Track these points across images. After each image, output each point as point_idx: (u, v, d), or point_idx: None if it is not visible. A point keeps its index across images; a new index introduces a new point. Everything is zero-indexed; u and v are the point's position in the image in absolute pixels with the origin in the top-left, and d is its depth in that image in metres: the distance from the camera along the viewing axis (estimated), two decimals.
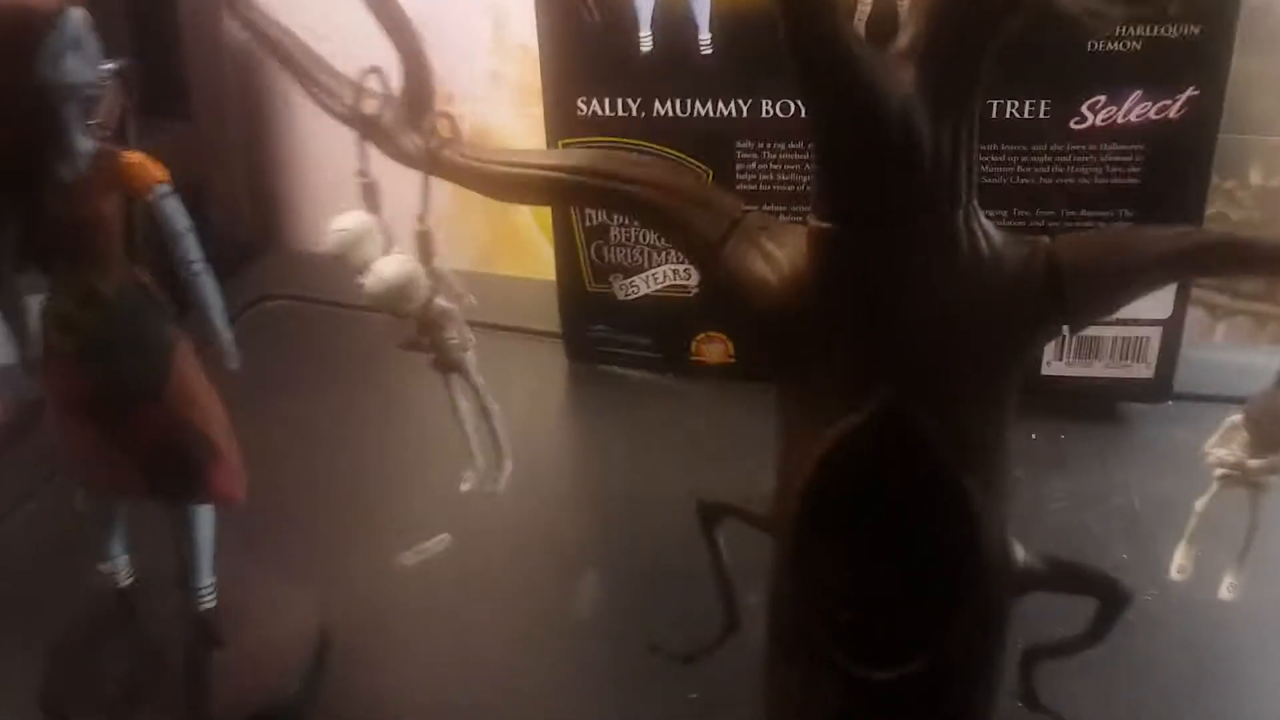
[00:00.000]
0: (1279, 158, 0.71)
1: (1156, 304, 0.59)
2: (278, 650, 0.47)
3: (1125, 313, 0.58)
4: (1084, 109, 0.56)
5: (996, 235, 0.25)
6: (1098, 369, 0.61)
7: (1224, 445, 0.29)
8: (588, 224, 0.64)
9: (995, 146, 0.57)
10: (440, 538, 0.54)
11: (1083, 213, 0.58)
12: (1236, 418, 0.29)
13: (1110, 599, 0.27)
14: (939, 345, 0.24)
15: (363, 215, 0.31)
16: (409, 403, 0.65)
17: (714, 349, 0.66)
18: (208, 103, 0.79)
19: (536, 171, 0.28)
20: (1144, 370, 0.61)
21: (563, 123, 0.61)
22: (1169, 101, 0.55)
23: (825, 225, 0.24)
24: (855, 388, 0.25)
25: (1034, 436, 0.61)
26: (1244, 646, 0.48)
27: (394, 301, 0.30)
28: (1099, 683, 0.46)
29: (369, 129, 0.30)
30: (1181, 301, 0.59)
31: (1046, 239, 0.26)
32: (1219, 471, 0.29)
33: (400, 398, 0.65)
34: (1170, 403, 0.63)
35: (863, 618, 0.27)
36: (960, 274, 0.24)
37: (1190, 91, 0.55)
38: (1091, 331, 0.60)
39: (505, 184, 0.29)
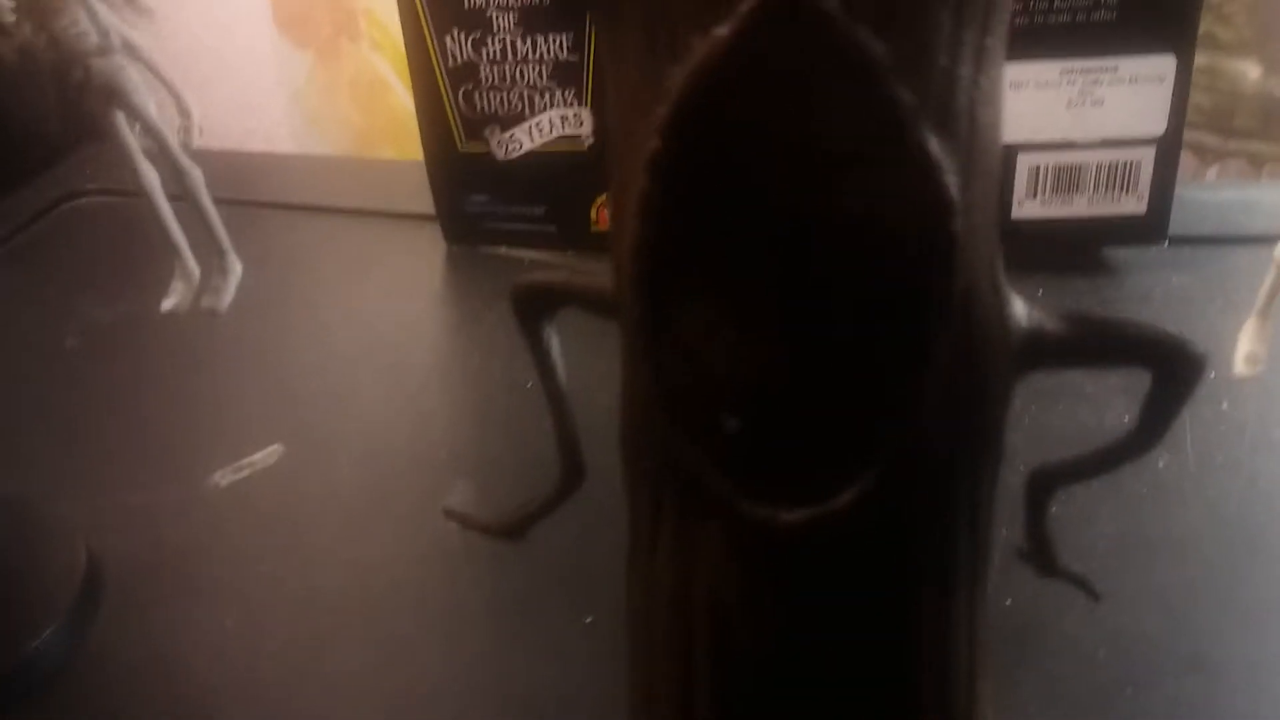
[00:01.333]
0: None
1: (1147, 118, 0.48)
2: (37, 586, 0.35)
3: (1111, 131, 0.49)
4: None
5: None
6: (1080, 206, 0.50)
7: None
8: (450, 64, 0.52)
9: None
10: (270, 449, 0.43)
11: (1055, 2, 0.46)
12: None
13: (1171, 369, 0.16)
14: None
15: None
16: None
17: None
18: None
19: None
20: (1135, 205, 0.50)
21: None
22: None
23: None
24: None
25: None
26: (1276, 513, 0.38)
27: None
28: (1106, 564, 0.36)
29: None
30: (1178, 115, 0.48)
31: None
32: None
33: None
34: (1165, 246, 0.52)
35: (758, 423, 0.15)
36: None
37: None
38: (1072, 157, 0.49)
39: None
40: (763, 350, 0.15)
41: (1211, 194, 0.60)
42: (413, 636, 0.36)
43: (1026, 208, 0.50)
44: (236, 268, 0.23)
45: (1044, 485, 0.19)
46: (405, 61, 0.54)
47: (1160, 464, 0.41)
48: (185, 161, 0.22)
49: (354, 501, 0.41)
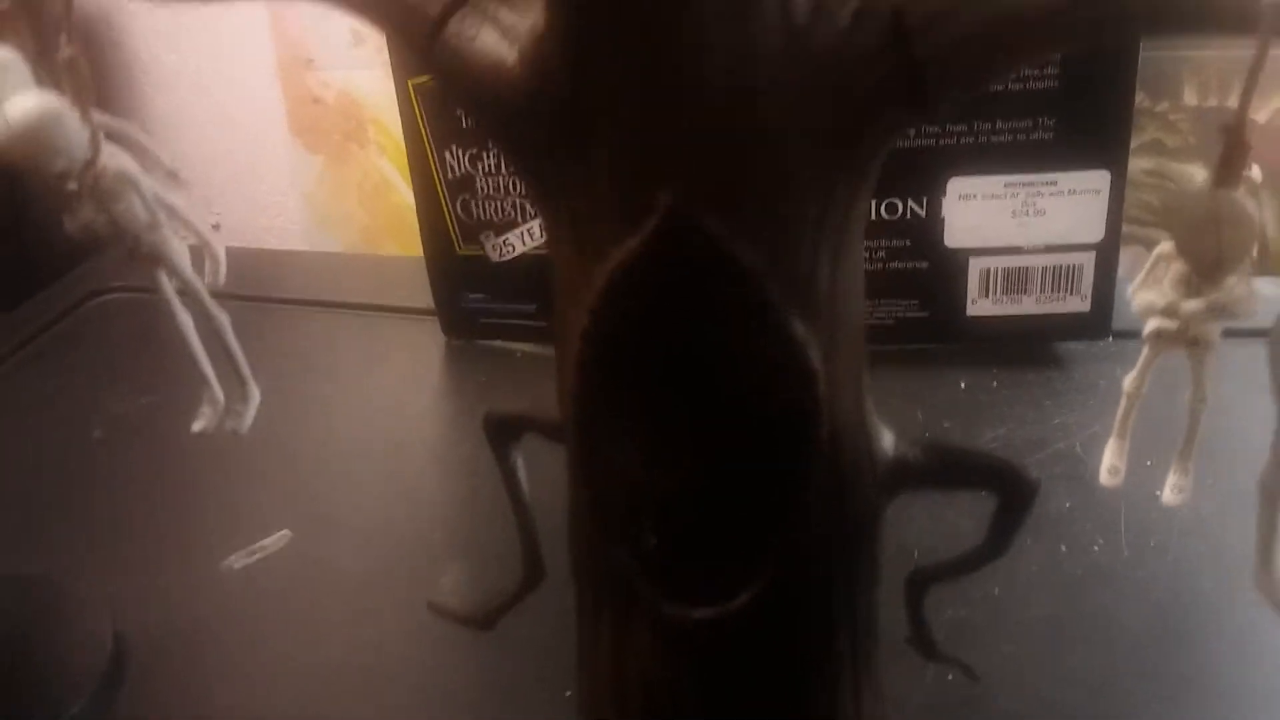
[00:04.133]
0: (1212, 75, 0.65)
1: (1086, 226, 0.52)
2: (66, 662, 0.39)
3: (1053, 238, 0.53)
4: None
5: None
6: (1029, 305, 0.54)
7: (1151, 286, 0.22)
8: (450, 175, 0.57)
9: None
10: (280, 535, 0.47)
11: (997, 124, 0.51)
12: (1166, 245, 0.22)
13: (1010, 493, 0.20)
14: (741, 131, 0.17)
15: None
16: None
17: None
18: None
19: None
20: (1079, 303, 0.54)
21: (409, 61, 0.54)
22: None
23: None
24: (630, 199, 0.17)
25: (964, 386, 0.55)
26: (1205, 596, 0.41)
27: (33, 153, 0.23)
28: (1042, 644, 0.39)
29: None
30: (1114, 223, 0.53)
31: None
32: (1150, 325, 0.22)
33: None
34: (1110, 339, 0.56)
35: (673, 537, 0.19)
36: (765, 31, 0.17)
37: None
38: (1019, 261, 0.53)
39: None
40: (673, 479, 0.19)
41: None
42: (411, 710, 0.39)
43: (980, 306, 0.55)
44: (255, 396, 0.27)
45: (919, 584, 0.22)
46: (408, 165, 0.59)
47: (1095, 548, 0.44)
48: (214, 308, 0.26)
49: (356, 583, 0.45)
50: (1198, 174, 0.67)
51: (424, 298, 0.63)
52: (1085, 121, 0.50)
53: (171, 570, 0.45)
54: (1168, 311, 0.21)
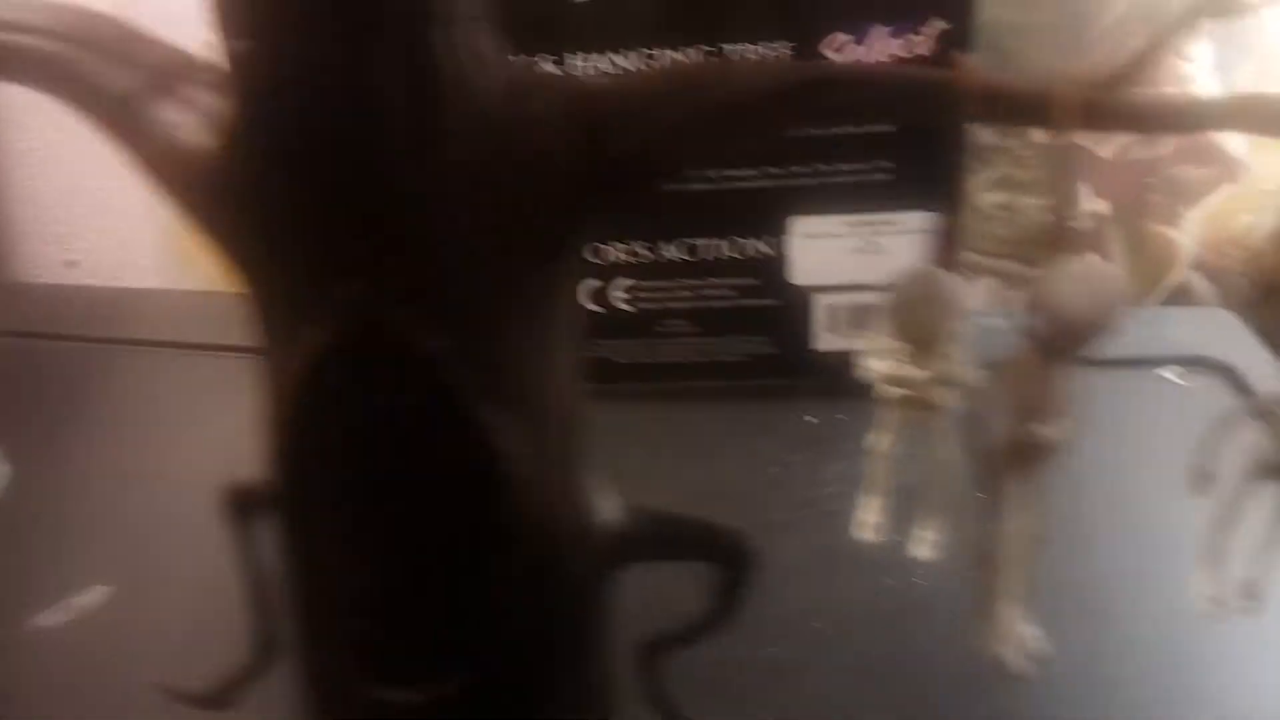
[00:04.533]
0: None
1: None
2: None
3: (891, 275, 0.54)
4: (826, 50, 0.50)
5: (505, 65, 0.18)
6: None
7: (877, 354, 0.22)
8: None
9: None
10: (94, 589, 0.45)
11: (837, 165, 0.52)
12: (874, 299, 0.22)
13: (729, 560, 0.20)
14: (426, 225, 0.17)
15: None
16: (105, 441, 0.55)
17: None
18: None
19: None
20: None
21: None
22: (915, 36, 0.50)
23: (239, 44, 0.17)
24: (315, 291, 0.17)
25: (809, 419, 0.55)
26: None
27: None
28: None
29: None
30: (952, 263, 0.54)
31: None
32: (884, 391, 0.23)
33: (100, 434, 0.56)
34: None
35: (381, 623, 0.19)
36: (454, 125, 0.17)
37: (938, 24, 0.50)
38: (862, 297, 0.54)
39: None
40: (376, 564, 0.19)
41: (983, 319, 0.66)
42: None
43: (826, 340, 0.55)
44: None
45: (653, 651, 0.22)
46: None
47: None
48: None
49: (183, 635, 0.44)
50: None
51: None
52: (919, 165, 0.51)
53: None
54: (898, 380, 0.22)
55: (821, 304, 0.55)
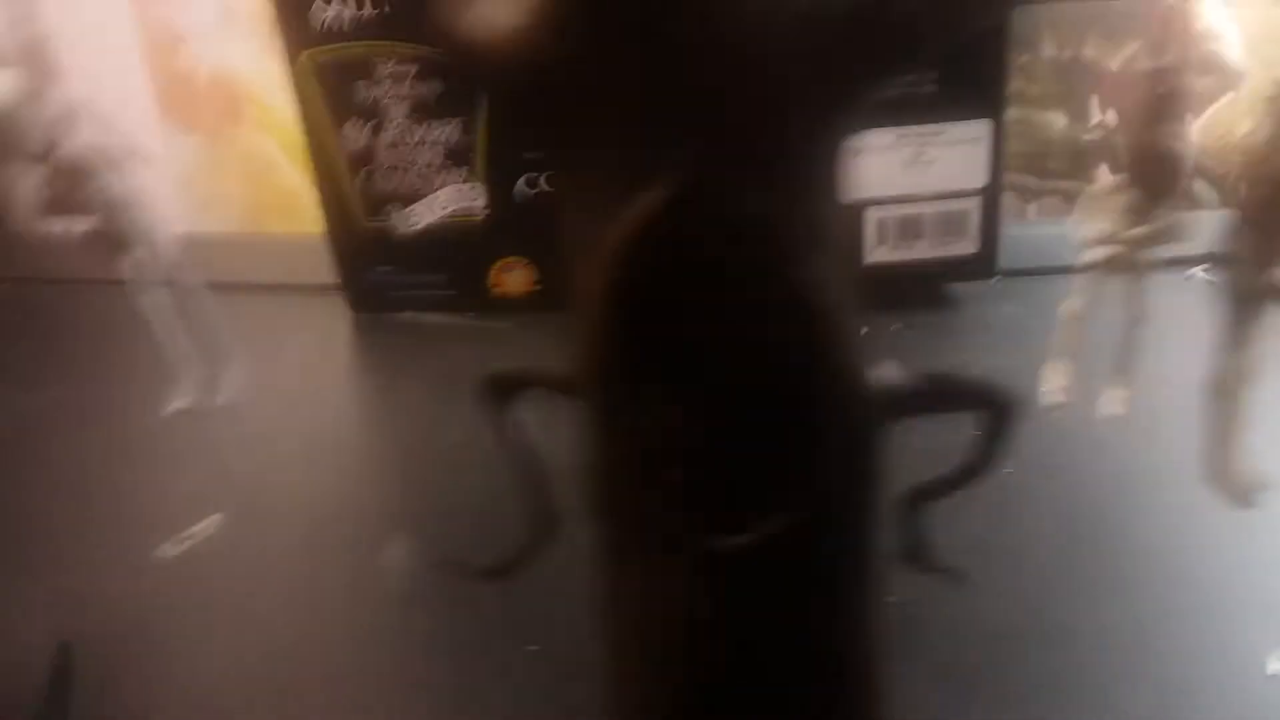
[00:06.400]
0: (1071, 28, 0.69)
1: (970, 173, 0.56)
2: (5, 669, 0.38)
3: (940, 186, 0.56)
4: None
5: None
6: (921, 250, 0.57)
7: (1093, 218, 0.24)
8: (350, 149, 0.56)
9: None
10: (209, 519, 0.46)
11: None
12: (1099, 184, 0.24)
13: (997, 409, 0.22)
14: (752, 84, 0.18)
15: None
16: (153, 382, 0.56)
17: (514, 277, 0.59)
18: None
19: None
20: (967, 246, 0.58)
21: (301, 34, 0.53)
22: None
23: None
24: (650, 158, 0.18)
25: (865, 331, 0.57)
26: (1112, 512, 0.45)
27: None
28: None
29: None
30: (996, 169, 0.56)
31: None
32: (1096, 253, 0.25)
33: (144, 376, 0.56)
34: (996, 279, 0.60)
35: (697, 474, 0.20)
36: None
37: None
38: (911, 209, 0.56)
39: None
40: (698, 426, 0.20)
41: (1033, 230, 0.68)
42: (368, 679, 0.39)
43: (877, 254, 0.57)
44: (234, 368, 0.27)
45: (915, 501, 0.24)
46: (292, 141, 0.58)
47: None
48: (194, 288, 0.26)
49: (294, 563, 0.45)
50: (1058, 121, 0.72)
51: (322, 274, 0.62)
52: (965, 74, 0.53)
53: (106, 567, 0.44)
54: (1115, 239, 0.23)
55: (872, 217, 0.57)
